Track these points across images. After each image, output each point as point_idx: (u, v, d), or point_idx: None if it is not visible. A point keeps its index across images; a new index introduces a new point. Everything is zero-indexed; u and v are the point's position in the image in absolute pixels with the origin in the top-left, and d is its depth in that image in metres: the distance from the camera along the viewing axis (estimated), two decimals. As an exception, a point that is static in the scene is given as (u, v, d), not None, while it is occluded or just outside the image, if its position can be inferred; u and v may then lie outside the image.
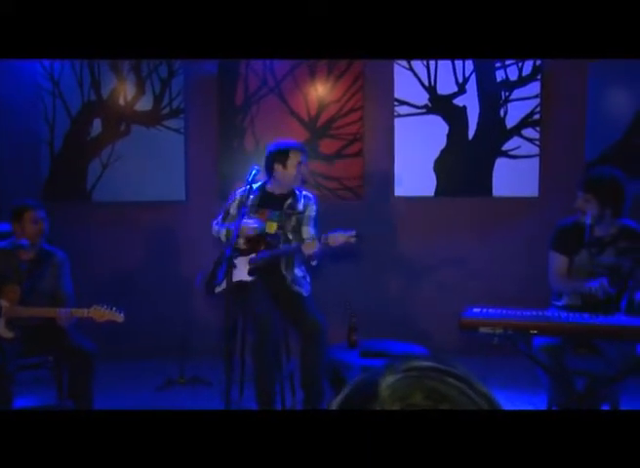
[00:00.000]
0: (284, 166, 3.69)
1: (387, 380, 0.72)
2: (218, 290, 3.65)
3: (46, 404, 3.77)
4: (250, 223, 3.58)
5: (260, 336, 3.45)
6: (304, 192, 3.84)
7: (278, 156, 3.71)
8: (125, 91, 5.20)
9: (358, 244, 3.49)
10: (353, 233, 3.40)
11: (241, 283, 3.55)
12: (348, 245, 3.45)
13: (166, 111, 5.20)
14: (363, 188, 5.19)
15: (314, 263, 3.67)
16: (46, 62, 5.14)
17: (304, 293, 3.70)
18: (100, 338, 3.60)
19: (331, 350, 3.87)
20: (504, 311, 2.96)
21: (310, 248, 3.45)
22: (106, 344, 3.81)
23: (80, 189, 5.22)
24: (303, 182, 3.82)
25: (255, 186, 3.72)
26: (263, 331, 3.45)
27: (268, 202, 3.74)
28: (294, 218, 3.71)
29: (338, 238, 3.40)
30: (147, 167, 5.20)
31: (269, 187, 3.78)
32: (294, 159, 3.68)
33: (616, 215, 3.19)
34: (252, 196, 3.69)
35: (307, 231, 3.69)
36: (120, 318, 3.34)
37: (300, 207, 3.75)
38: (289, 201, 3.74)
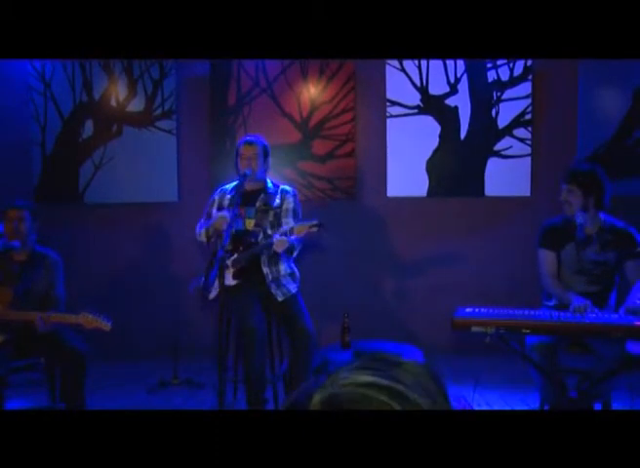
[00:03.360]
0: (243, 159, 3.71)
1: (320, 396, 0.75)
2: (211, 296, 3.64)
3: (38, 406, 3.75)
4: (222, 214, 3.57)
5: (246, 345, 3.45)
6: (282, 186, 3.82)
7: (236, 151, 3.77)
8: (117, 92, 5.19)
9: (323, 233, 3.50)
10: (314, 222, 3.41)
11: (228, 287, 3.52)
12: (313, 234, 3.47)
13: (158, 112, 5.19)
14: (355, 189, 5.19)
15: (294, 255, 3.69)
16: (37, 64, 5.12)
17: (285, 295, 3.64)
18: (93, 340, 3.59)
19: (324, 351, 3.87)
20: (496, 310, 2.98)
21: (281, 245, 3.45)
22: (99, 345, 3.80)
23: (72, 191, 5.20)
24: (252, 172, 3.67)
25: (230, 186, 3.77)
26: (248, 338, 3.45)
27: (244, 199, 3.70)
28: (271, 214, 3.69)
29: (302, 227, 3.42)
30: (140, 168, 5.19)
31: (245, 185, 3.75)
32: (242, 151, 3.71)
33: (598, 207, 3.28)
34: (228, 195, 3.71)
35: (287, 223, 3.65)
36: (107, 327, 3.33)
37: (277, 201, 3.73)
38: (261, 196, 3.73)
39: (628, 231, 3.29)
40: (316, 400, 0.74)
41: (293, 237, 3.46)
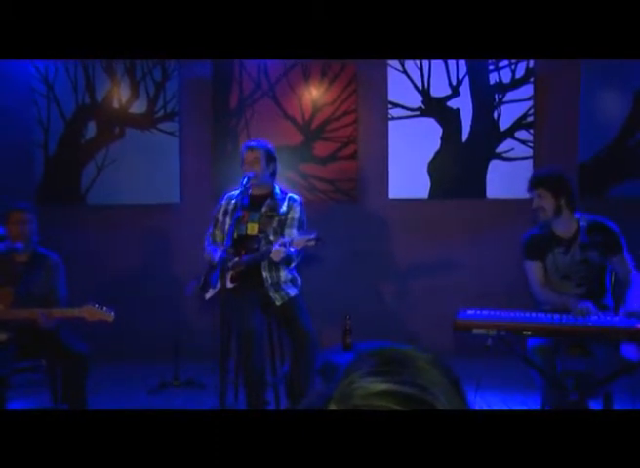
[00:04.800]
0: (245, 164, 3.69)
1: (336, 407, 0.72)
2: (208, 295, 3.63)
3: (40, 407, 3.75)
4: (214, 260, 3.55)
5: (244, 346, 3.45)
6: (290, 194, 3.77)
7: (240, 156, 3.75)
8: (119, 93, 5.20)
9: (321, 246, 3.45)
10: (312, 236, 3.35)
11: (228, 289, 3.50)
12: (312, 247, 3.41)
13: (160, 114, 5.20)
14: (357, 190, 5.20)
15: (292, 266, 3.63)
16: (40, 65, 5.14)
17: (283, 299, 3.61)
18: (95, 341, 3.60)
19: (326, 352, 3.87)
20: (498, 313, 2.98)
21: (278, 255, 3.39)
22: (101, 346, 3.80)
23: (74, 192, 5.21)
24: (255, 175, 3.64)
25: (237, 192, 3.73)
26: (247, 339, 3.44)
27: (249, 203, 3.68)
28: (275, 220, 3.64)
29: (300, 241, 3.36)
30: (142, 169, 5.20)
31: (250, 189, 3.72)
32: (244, 156, 3.69)
33: (570, 207, 3.30)
34: (233, 200, 3.67)
35: (291, 233, 3.60)
36: (110, 317, 3.33)
37: (283, 209, 3.68)
38: (268, 202, 3.69)
39: (606, 225, 3.30)
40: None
41: (292, 249, 3.42)
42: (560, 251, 3.31)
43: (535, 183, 3.33)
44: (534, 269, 3.37)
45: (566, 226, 3.32)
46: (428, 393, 0.72)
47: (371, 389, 0.72)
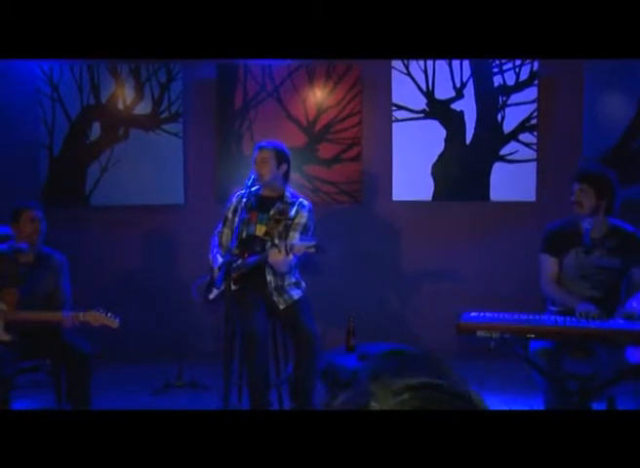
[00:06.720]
0: (255, 164, 3.66)
1: (380, 406, 0.71)
2: (212, 296, 3.63)
3: (44, 407, 3.76)
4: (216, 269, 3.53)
5: (248, 347, 3.44)
6: (301, 199, 3.74)
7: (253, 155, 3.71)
8: (124, 95, 5.21)
9: (320, 254, 3.39)
10: (312, 243, 3.31)
11: (232, 291, 3.46)
12: (310, 254, 3.36)
13: (165, 115, 5.21)
14: (361, 192, 5.20)
15: (285, 271, 3.57)
16: (45, 66, 5.15)
17: (287, 302, 3.61)
18: (99, 341, 3.60)
19: (329, 354, 3.87)
20: (502, 315, 2.97)
21: (275, 256, 3.35)
22: (105, 347, 3.81)
23: (79, 193, 5.22)
24: (261, 177, 3.62)
25: (250, 190, 3.73)
26: (250, 340, 3.44)
27: (259, 204, 3.67)
28: (282, 224, 3.61)
29: (300, 247, 3.32)
30: (146, 171, 5.21)
31: (261, 190, 3.73)
32: (256, 156, 3.66)
33: (608, 211, 3.23)
34: (244, 199, 3.64)
35: (293, 236, 3.57)
36: (115, 324, 3.33)
37: (291, 213, 3.65)
38: (277, 205, 3.67)
39: (637, 236, 3.25)
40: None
41: (291, 256, 3.37)
42: (584, 251, 3.23)
43: (581, 177, 3.25)
44: (549, 263, 3.32)
45: (597, 228, 3.22)
46: (463, 387, 0.73)
47: (409, 382, 0.71)
